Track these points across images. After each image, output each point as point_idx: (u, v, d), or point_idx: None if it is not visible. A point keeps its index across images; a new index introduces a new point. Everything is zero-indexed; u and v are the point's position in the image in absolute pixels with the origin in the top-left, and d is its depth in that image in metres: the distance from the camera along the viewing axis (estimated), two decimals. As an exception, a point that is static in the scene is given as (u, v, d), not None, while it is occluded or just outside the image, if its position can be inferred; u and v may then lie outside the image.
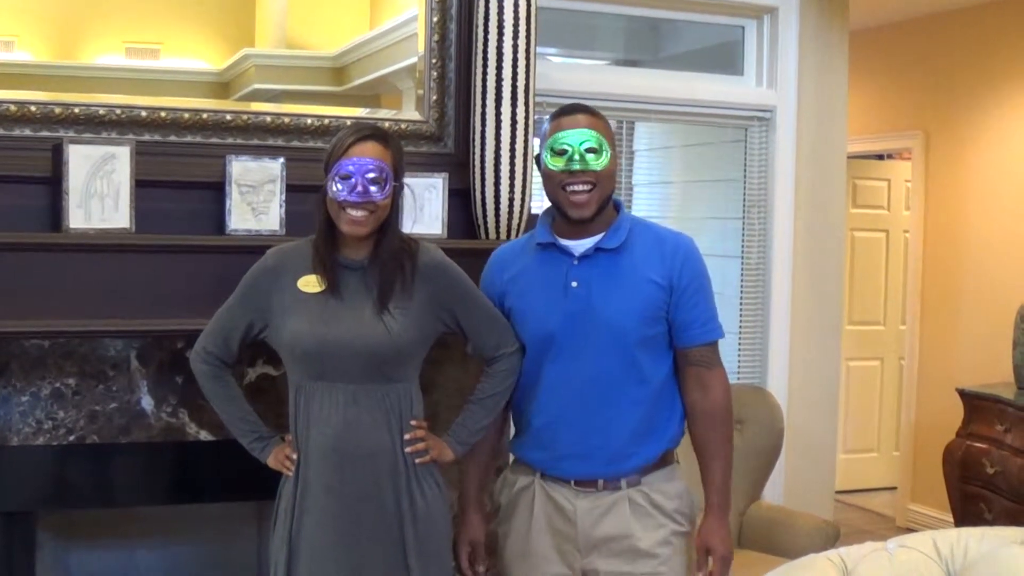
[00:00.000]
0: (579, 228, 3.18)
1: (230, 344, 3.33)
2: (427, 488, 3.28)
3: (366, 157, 3.15)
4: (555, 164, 3.12)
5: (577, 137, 3.11)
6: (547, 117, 3.26)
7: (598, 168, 3.11)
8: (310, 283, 3.22)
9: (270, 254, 3.34)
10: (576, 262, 3.18)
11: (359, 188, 3.12)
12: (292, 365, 3.27)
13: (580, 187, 3.11)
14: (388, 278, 3.21)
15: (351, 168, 3.13)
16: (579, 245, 3.19)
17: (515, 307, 3.30)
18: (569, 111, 3.19)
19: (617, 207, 3.26)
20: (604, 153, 3.12)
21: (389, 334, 3.18)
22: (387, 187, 3.16)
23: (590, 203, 3.12)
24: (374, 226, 3.19)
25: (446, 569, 3.36)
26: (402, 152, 3.29)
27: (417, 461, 3.23)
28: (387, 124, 4.29)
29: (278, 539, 3.28)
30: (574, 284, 3.17)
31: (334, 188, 3.14)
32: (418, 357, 3.33)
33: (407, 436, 3.23)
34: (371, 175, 3.14)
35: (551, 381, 3.22)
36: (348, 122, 4.16)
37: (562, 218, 3.20)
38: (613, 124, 5.76)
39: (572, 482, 3.22)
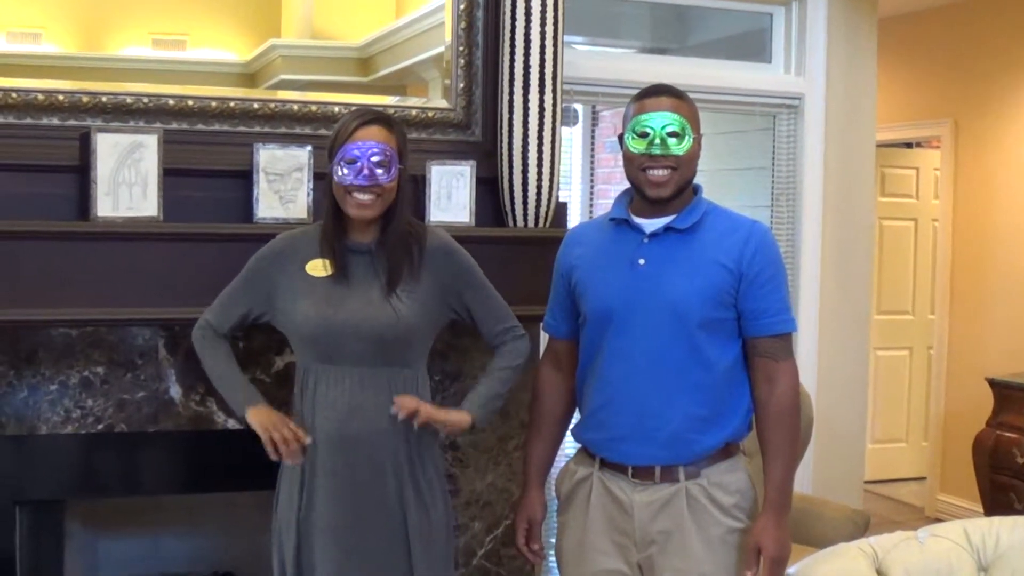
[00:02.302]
0: (655, 208, 3.13)
1: (227, 322, 3.40)
2: (429, 475, 3.31)
3: (371, 140, 3.17)
4: (636, 147, 3.09)
5: (660, 120, 3.07)
6: (631, 99, 3.21)
7: (679, 153, 3.06)
8: (318, 267, 3.25)
9: (279, 238, 3.38)
10: (646, 240, 3.14)
11: (365, 171, 3.14)
12: (300, 348, 3.30)
13: (660, 172, 3.07)
14: (396, 262, 3.23)
15: (356, 152, 3.15)
16: (651, 224, 3.14)
17: (580, 281, 3.26)
18: (653, 92, 3.14)
19: (696, 191, 3.21)
20: (687, 137, 3.07)
21: (397, 317, 3.20)
22: (393, 170, 3.19)
23: (668, 183, 3.08)
24: (381, 209, 3.22)
25: (446, 556, 3.39)
26: (406, 136, 3.30)
27: (415, 422, 3.20)
28: (414, 112, 4.30)
29: (283, 522, 3.31)
30: (641, 262, 3.12)
31: (340, 172, 3.16)
32: (425, 342, 3.35)
33: (395, 399, 3.21)
34: (376, 158, 3.16)
35: (610, 358, 3.17)
36: (378, 109, 4.14)
37: (640, 197, 3.16)
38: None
39: (630, 472, 3.15)
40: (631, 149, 3.11)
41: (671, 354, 3.09)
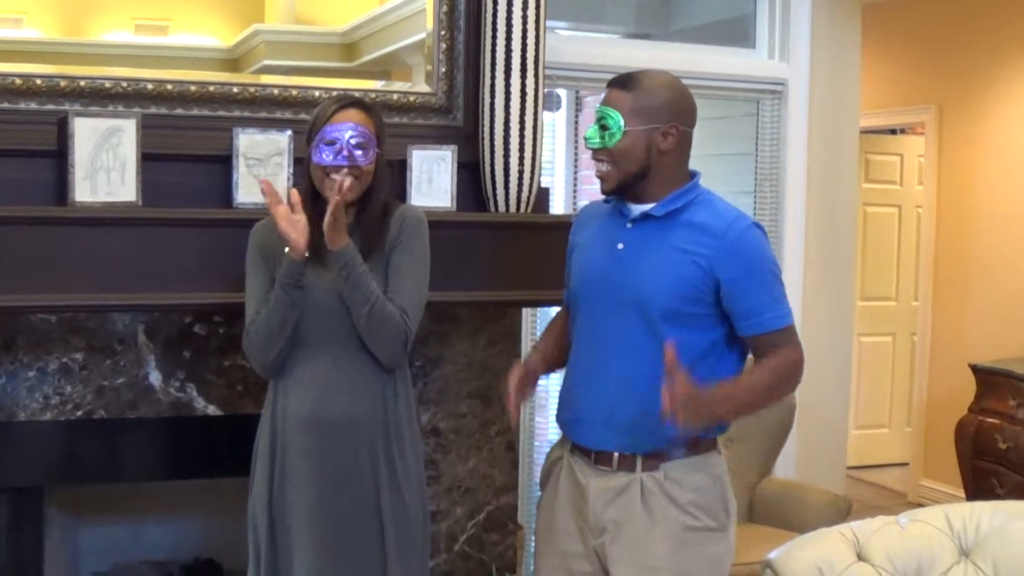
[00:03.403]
0: (639, 194, 3.12)
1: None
2: (408, 461, 3.32)
3: (350, 123, 3.22)
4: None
5: (599, 113, 3.11)
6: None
7: (608, 146, 3.07)
8: None
9: (254, 232, 3.39)
10: (629, 224, 3.14)
11: (344, 152, 3.19)
12: None
13: (599, 165, 3.11)
14: (371, 245, 3.26)
15: (336, 134, 3.20)
16: (635, 208, 3.14)
17: (572, 262, 3.31)
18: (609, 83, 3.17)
19: (692, 176, 3.18)
20: (617, 132, 3.07)
21: None
22: (371, 153, 3.24)
23: (608, 178, 3.10)
24: (359, 192, 3.25)
25: (420, 540, 3.40)
26: (383, 121, 3.34)
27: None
28: (396, 97, 4.29)
29: (257, 504, 3.32)
30: (620, 246, 3.12)
31: (320, 154, 3.20)
32: None
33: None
34: (355, 140, 3.21)
35: (581, 340, 3.20)
36: (356, 94, 4.14)
37: None
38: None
39: (592, 456, 3.15)
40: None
41: (635, 341, 3.07)
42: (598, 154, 3.09)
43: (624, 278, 3.08)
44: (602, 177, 3.10)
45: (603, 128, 3.07)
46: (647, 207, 3.11)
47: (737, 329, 3.11)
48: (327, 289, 3.22)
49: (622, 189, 3.11)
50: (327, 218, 3.10)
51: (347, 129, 3.20)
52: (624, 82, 3.11)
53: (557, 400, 3.34)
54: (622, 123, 3.06)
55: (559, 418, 3.31)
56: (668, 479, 3.08)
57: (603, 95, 3.14)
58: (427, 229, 3.40)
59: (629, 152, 3.08)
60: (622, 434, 3.10)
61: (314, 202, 3.25)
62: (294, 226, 3.13)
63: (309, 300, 3.20)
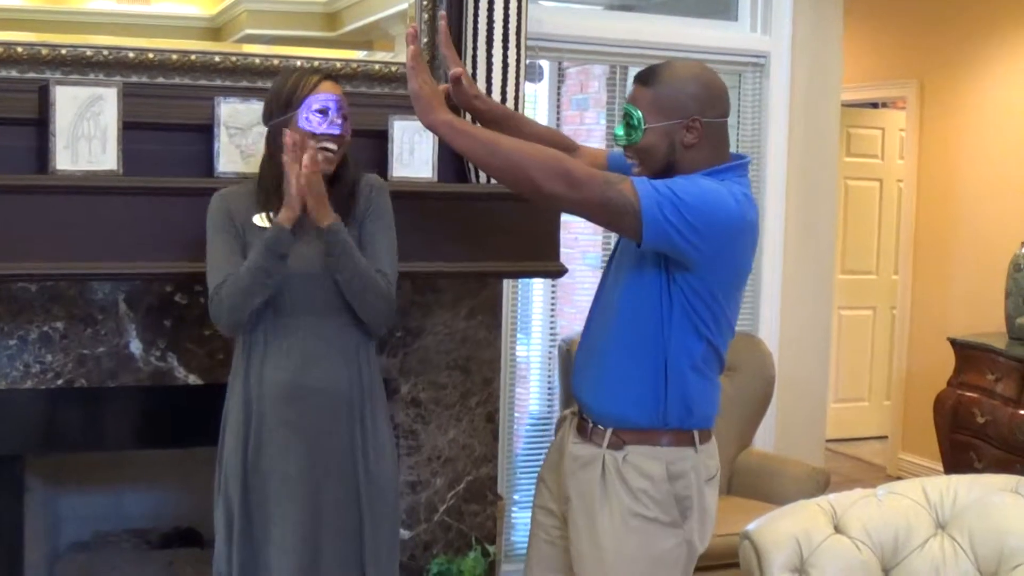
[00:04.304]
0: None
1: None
2: (379, 425, 3.38)
3: (335, 94, 3.29)
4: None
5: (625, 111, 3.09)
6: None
7: (633, 143, 3.08)
8: (264, 219, 3.28)
9: (218, 197, 3.39)
10: None
11: (338, 121, 3.26)
12: None
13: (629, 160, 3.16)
14: (344, 215, 3.28)
15: (329, 104, 3.25)
16: None
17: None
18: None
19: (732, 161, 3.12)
20: (639, 129, 3.05)
21: None
22: (349, 125, 3.32)
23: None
24: (337, 162, 3.31)
25: (392, 505, 3.44)
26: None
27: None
28: (378, 67, 4.27)
29: (230, 474, 3.33)
30: None
31: (311, 121, 3.22)
32: None
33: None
34: (342, 111, 3.28)
35: (597, 294, 3.26)
36: (337, 64, 4.13)
37: None
38: (606, 70, 5.75)
39: (577, 420, 3.20)
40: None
41: (622, 314, 3.10)
42: (627, 151, 3.09)
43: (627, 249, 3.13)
44: (636, 175, 3.05)
45: (628, 126, 3.05)
46: None
47: None
48: (305, 258, 3.24)
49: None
50: (312, 194, 3.14)
51: (335, 99, 3.26)
52: (645, 78, 3.08)
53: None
54: (643, 120, 3.03)
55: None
56: (626, 462, 3.08)
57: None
58: (386, 190, 3.47)
59: (652, 149, 3.05)
60: (593, 398, 3.15)
61: (280, 169, 3.23)
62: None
63: (288, 271, 3.22)
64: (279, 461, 3.27)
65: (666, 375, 3.05)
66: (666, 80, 3.05)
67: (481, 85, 4.15)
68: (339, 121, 3.25)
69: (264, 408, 3.27)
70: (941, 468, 6.55)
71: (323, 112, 3.23)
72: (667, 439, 3.09)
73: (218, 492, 3.38)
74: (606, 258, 3.47)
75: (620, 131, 3.07)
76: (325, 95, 3.24)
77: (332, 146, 3.25)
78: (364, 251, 3.32)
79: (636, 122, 3.03)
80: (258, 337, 3.30)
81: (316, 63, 4.01)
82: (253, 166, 3.86)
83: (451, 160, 4.22)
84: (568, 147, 3.38)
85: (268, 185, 3.31)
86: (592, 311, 3.25)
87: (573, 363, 3.30)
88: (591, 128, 6.64)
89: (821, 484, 4.89)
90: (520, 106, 4.23)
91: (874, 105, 8.78)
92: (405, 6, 4.37)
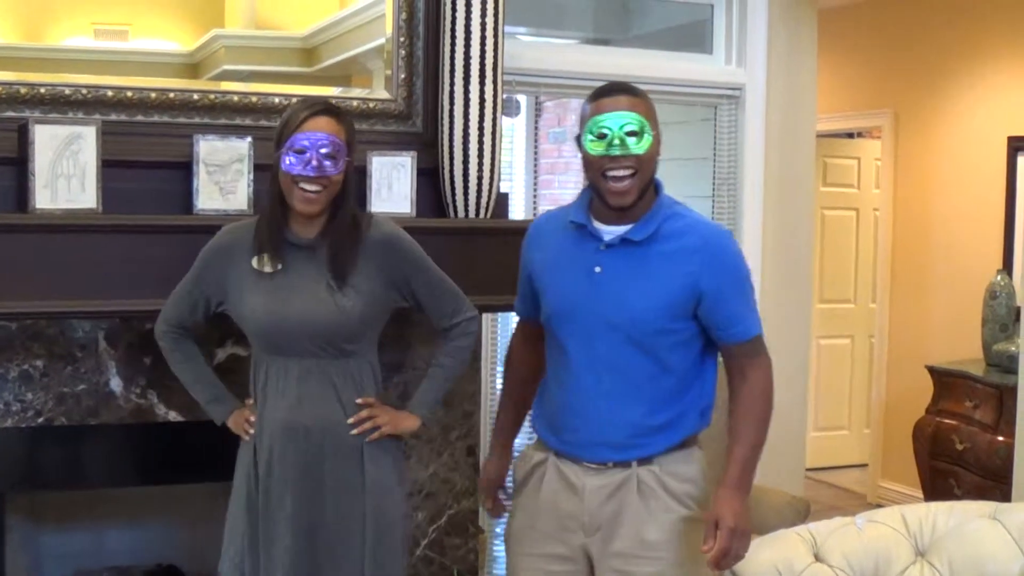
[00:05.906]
0: (614, 212, 3.05)
1: (192, 316, 3.41)
2: (379, 462, 3.32)
3: (320, 132, 3.16)
4: (595, 149, 2.99)
5: (617, 120, 2.98)
6: (585, 98, 3.11)
7: (639, 152, 2.97)
8: (263, 262, 3.25)
9: (224, 231, 3.38)
10: (603, 247, 3.07)
11: (313, 163, 3.14)
12: (251, 339, 3.33)
13: (621, 172, 2.98)
14: (340, 256, 3.23)
15: (305, 143, 3.14)
16: (608, 231, 3.07)
17: (540, 280, 3.22)
18: (610, 91, 3.05)
19: (657, 189, 3.12)
20: (646, 135, 2.99)
21: (343, 313, 3.22)
22: (340, 162, 3.19)
23: (630, 191, 2.99)
24: (326, 202, 3.22)
25: (398, 541, 3.40)
26: (354, 128, 3.30)
27: (368, 439, 3.27)
28: (356, 103, 4.29)
29: (237, 508, 3.33)
30: (597, 269, 3.06)
31: (288, 162, 3.15)
32: (373, 331, 3.37)
33: (351, 420, 3.26)
34: (325, 150, 3.15)
35: (568, 362, 3.13)
36: (326, 100, 4.14)
37: (600, 202, 3.08)
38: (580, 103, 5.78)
39: (583, 462, 3.14)
40: (590, 151, 3.01)
41: (627, 364, 3.07)
42: (625, 160, 2.98)
43: (611, 302, 3.05)
44: (624, 191, 2.99)
45: (631, 134, 2.97)
46: (623, 230, 3.06)
47: (717, 339, 3.12)
48: (297, 308, 3.21)
49: (634, 204, 3.04)
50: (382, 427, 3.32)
51: (317, 138, 3.14)
52: (631, 88, 3.07)
53: (537, 412, 3.32)
54: (649, 127, 3.01)
55: (543, 435, 3.26)
56: (664, 471, 3.10)
57: (604, 102, 3.03)
58: (405, 234, 3.39)
59: (653, 157, 3.05)
60: (618, 452, 3.11)
61: (281, 210, 3.23)
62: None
63: (279, 317, 3.21)
64: (283, 497, 3.25)
65: (690, 396, 3.17)
66: (642, 92, 3.09)
67: (458, 120, 4.18)
68: (315, 163, 3.12)
69: (270, 444, 3.27)
70: (921, 495, 6.57)
71: (301, 152, 3.13)
72: (689, 440, 3.18)
73: (228, 517, 3.38)
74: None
75: (622, 142, 2.96)
76: (306, 134, 3.13)
77: (310, 188, 3.15)
78: (427, 307, 3.39)
79: (643, 129, 2.99)
80: (260, 376, 3.30)
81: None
82: (233, 203, 3.90)
83: (429, 195, 4.24)
84: (538, 365, 3.37)
85: (264, 225, 3.26)
86: (577, 371, 3.14)
87: (559, 429, 3.20)
88: (569, 160, 6.67)
89: (801, 513, 4.88)
90: (497, 140, 4.24)
91: (850, 135, 8.84)
92: (382, 40, 4.39)
